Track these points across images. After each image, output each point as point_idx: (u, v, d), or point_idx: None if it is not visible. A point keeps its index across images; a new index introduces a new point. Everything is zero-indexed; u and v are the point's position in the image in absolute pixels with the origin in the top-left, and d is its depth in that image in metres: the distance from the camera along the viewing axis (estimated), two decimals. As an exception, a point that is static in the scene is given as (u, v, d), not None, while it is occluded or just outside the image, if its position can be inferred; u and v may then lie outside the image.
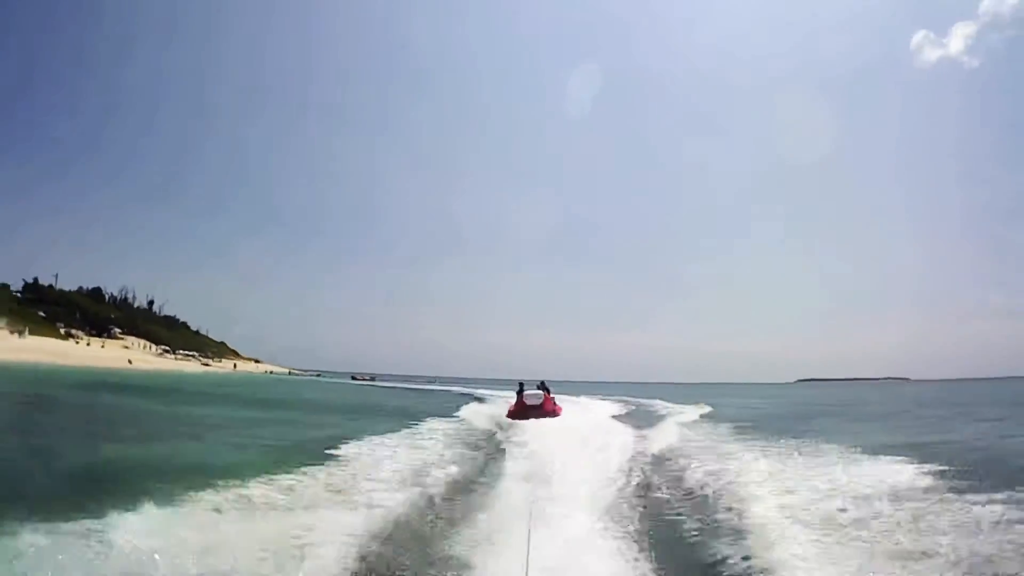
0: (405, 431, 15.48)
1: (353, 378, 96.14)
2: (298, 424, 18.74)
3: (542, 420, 21.11)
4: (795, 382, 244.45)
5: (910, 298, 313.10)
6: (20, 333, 58.28)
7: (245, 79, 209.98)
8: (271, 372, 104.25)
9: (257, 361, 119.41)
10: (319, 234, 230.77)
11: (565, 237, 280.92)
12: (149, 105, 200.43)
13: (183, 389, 35.00)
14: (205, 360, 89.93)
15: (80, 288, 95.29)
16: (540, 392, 24.19)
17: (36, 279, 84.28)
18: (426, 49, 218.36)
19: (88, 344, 70.51)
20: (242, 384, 50.33)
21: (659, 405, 32.29)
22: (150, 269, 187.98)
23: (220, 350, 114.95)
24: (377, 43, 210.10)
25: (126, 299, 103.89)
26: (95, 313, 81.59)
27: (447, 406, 26.96)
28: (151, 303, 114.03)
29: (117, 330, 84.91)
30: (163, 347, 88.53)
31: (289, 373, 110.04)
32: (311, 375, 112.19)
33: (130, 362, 62.07)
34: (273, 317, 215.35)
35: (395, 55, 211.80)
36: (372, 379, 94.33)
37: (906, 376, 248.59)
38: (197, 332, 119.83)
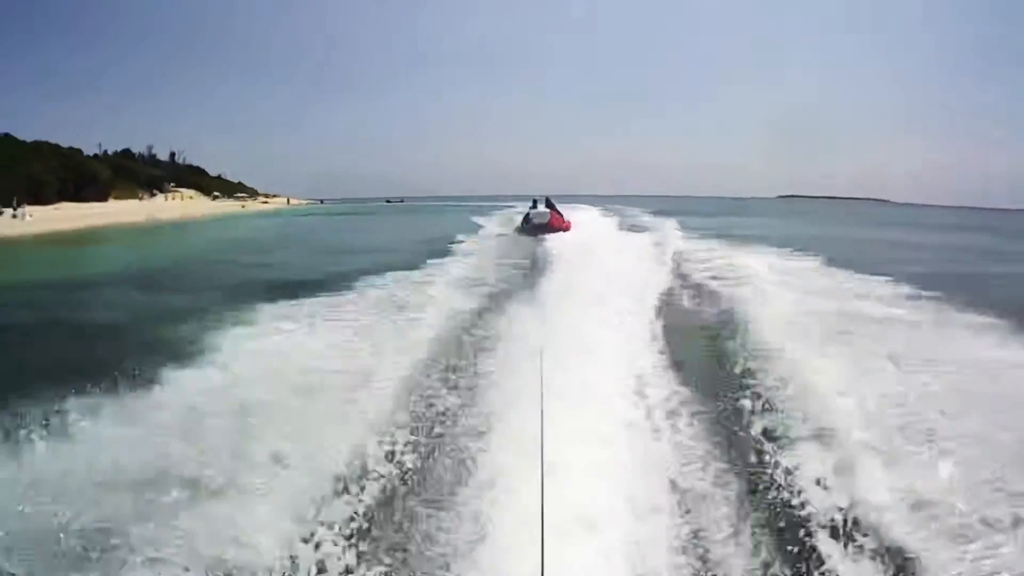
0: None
1: (387, 201, 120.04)
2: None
3: (552, 235, 21.70)
4: (776, 198, 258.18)
5: (896, 122, 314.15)
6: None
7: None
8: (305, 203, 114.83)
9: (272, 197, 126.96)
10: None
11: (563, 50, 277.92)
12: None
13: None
14: (243, 201, 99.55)
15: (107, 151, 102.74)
16: (545, 210, 24.69)
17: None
18: None
19: (167, 199, 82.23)
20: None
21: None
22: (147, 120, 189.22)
23: (248, 192, 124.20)
24: None
25: (153, 156, 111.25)
26: (143, 172, 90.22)
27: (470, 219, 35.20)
28: (173, 156, 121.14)
29: (170, 184, 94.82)
30: (214, 194, 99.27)
31: (322, 202, 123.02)
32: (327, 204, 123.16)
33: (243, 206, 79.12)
34: (274, 153, 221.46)
35: None
36: (402, 201, 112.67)
37: (887, 199, 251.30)
38: (219, 177, 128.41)
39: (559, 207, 26.35)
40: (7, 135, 61.80)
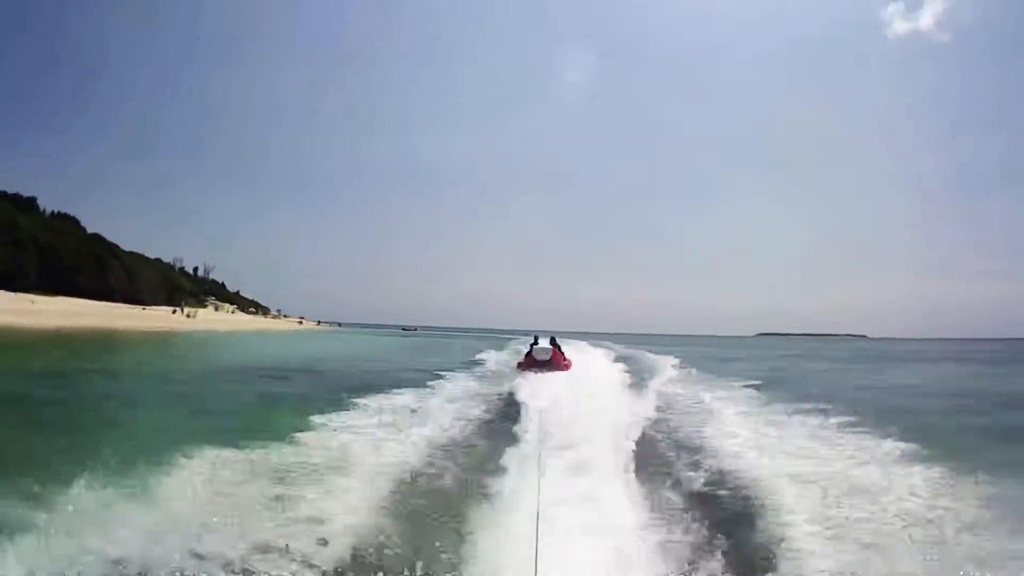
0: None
1: (404, 329, 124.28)
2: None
3: (551, 374, 21.16)
4: (754, 336, 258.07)
5: (876, 259, 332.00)
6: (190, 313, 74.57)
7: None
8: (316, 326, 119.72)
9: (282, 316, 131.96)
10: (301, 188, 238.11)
11: (544, 185, 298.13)
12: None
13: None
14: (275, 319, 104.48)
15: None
16: (549, 347, 24.19)
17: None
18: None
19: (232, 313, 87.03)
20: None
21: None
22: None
23: (261, 309, 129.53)
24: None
25: (182, 268, 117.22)
26: (188, 286, 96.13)
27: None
28: (197, 269, 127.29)
29: (211, 298, 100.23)
30: (250, 309, 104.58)
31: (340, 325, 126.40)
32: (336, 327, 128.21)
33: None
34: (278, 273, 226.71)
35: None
36: (416, 329, 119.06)
37: (864, 334, 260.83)
38: (237, 292, 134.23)
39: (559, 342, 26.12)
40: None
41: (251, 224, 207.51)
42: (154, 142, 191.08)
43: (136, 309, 65.46)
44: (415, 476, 7.05)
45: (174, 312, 71.23)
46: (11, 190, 72.51)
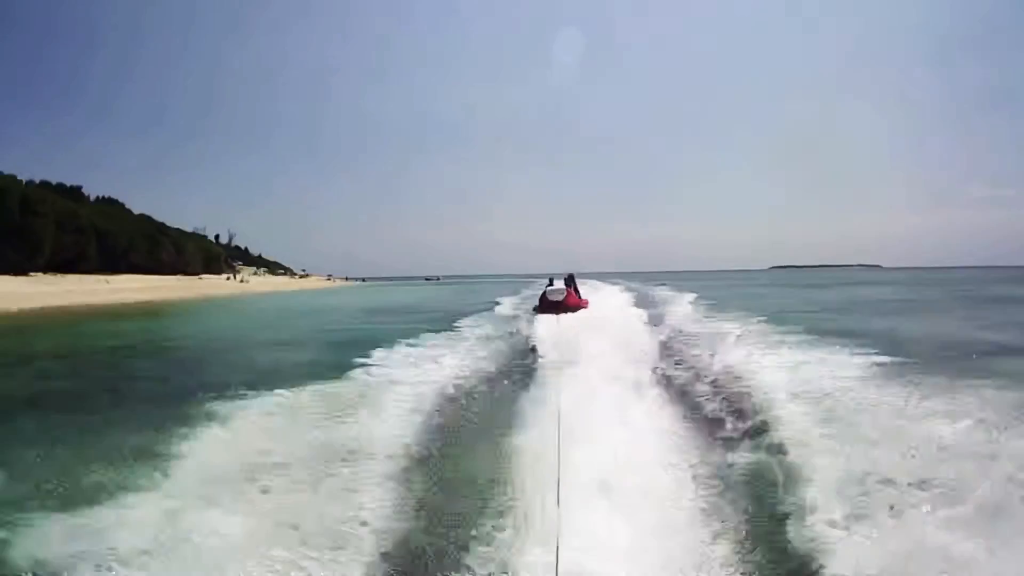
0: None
1: (426, 279, 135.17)
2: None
3: (568, 314, 21.14)
4: (769, 269, 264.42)
5: (885, 186, 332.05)
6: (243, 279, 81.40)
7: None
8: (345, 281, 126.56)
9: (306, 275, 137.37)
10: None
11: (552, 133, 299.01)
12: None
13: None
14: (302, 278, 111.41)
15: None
16: (562, 288, 23.96)
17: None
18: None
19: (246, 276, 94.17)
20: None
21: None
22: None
23: (285, 270, 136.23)
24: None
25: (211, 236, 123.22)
26: (222, 254, 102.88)
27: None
28: (218, 237, 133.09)
29: (239, 263, 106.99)
30: (279, 271, 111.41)
31: (363, 280, 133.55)
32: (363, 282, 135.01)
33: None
34: (294, 231, 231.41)
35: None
36: (438, 279, 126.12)
37: (878, 263, 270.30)
38: (259, 256, 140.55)
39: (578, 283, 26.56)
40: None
41: (262, 187, 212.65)
42: (160, 114, 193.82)
43: (195, 279, 72.23)
44: (430, 420, 7.40)
45: (227, 279, 78.13)
46: (15, 170, 76.96)
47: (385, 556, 4.16)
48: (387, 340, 14.22)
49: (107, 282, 59.68)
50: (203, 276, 77.07)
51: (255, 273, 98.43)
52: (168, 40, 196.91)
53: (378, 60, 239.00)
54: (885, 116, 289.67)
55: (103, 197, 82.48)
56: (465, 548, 4.21)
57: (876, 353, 10.67)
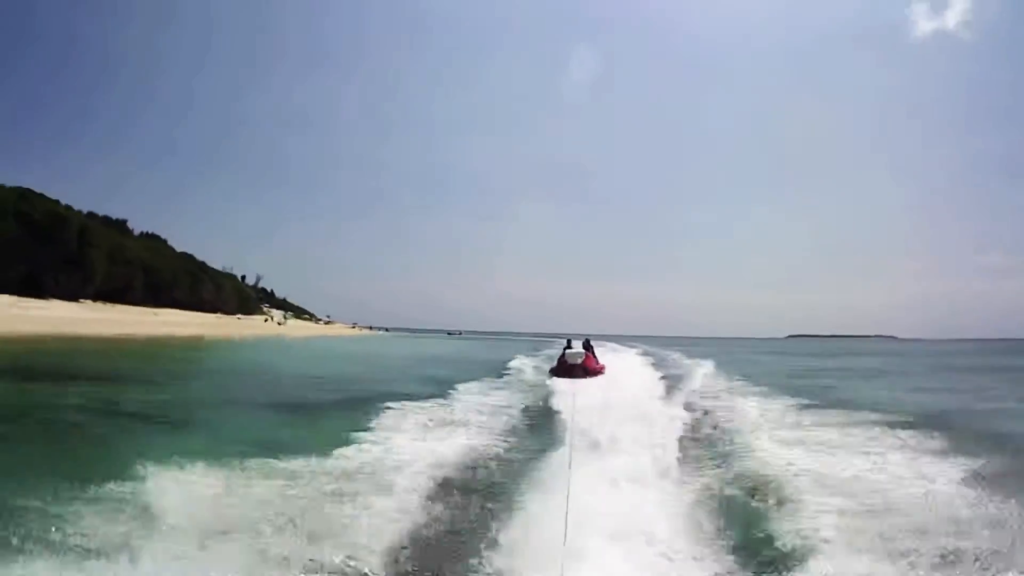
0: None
1: (448, 333, 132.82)
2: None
3: (584, 380, 20.46)
4: (786, 337, 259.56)
5: (902, 256, 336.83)
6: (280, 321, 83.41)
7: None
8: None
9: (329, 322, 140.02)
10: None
11: (566, 186, 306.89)
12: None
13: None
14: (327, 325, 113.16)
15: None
16: (581, 352, 23.68)
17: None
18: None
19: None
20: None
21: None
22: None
23: (309, 315, 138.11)
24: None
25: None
26: (254, 296, 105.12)
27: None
28: (243, 278, 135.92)
29: (265, 306, 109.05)
30: (304, 316, 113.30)
31: (387, 331, 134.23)
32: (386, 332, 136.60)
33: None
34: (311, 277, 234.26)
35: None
36: (460, 333, 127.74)
37: (893, 334, 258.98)
38: (284, 300, 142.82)
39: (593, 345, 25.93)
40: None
41: (275, 229, 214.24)
42: (171, 150, 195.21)
43: (234, 319, 74.02)
44: (450, 479, 7.27)
45: (266, 321, 79.88)
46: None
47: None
48: (455, 380, 17.95)
49: (155, 314, 61.48)
50: (240, 316, 78.77)
51: (285, 317, 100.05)
52: (182, 78, 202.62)
53: (391, 108, 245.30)
54: (900, 185, 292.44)
55: (147, 232, 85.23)
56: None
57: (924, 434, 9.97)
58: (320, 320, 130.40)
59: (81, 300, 63.25)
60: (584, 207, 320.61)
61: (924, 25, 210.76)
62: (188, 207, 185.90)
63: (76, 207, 70.51)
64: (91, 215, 75.95)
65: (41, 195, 65.36)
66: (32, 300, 53.55)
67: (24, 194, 63.34)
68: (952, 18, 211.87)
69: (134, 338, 37.95)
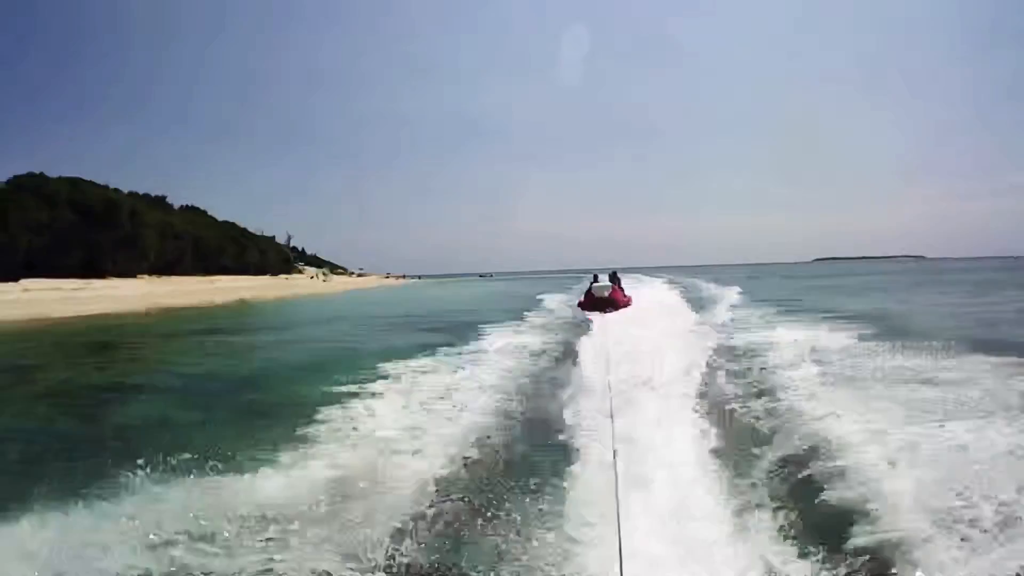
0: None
1: (480, 276, 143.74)
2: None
3: (612, 313, 20.68)
4: (812, 261, 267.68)
5: (927, 176, 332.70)
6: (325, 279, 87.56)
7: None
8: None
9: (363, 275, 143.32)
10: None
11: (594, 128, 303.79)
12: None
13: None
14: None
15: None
16: (608, 284, 23.65)
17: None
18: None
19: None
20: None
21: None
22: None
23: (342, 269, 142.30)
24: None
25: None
26: (289, 255, 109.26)
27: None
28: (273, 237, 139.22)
29: (300, 263, 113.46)
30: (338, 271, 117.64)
31: (420, 278, 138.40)
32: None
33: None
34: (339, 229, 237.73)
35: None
36: (491, 276, 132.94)
37: (922, 255, 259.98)
38: (315, 255, 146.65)
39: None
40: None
41: (298, 187, 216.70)
42: (189, 114, 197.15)
43: (282, 279, 78.31)
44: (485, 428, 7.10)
45: (312, 278, 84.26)
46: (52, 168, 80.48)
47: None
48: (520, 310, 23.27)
49: (211, 282, 65.57)
50: (286, 276, 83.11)
51: (324, 274, 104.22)
52: (201, 38, 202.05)
53: (410, 61, 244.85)
54: (929, 102, 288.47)
55: (187, 205, 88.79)
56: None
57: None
58: (353, 273, 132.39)
59: (139, 276, 67.57)
60: (612, 145, 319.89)
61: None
62: (210, 170, 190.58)
63: (97, 177, 73.63)
64: (133, 194, 79.40)
65: (91, 182, 69.01)
66: (106, 280, 57.77)
67: (75, 183, 66.86)
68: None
69: (220, 304, 41.81)
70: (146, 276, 67.90)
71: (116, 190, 71.13)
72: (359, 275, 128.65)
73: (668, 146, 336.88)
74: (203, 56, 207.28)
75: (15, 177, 65.60)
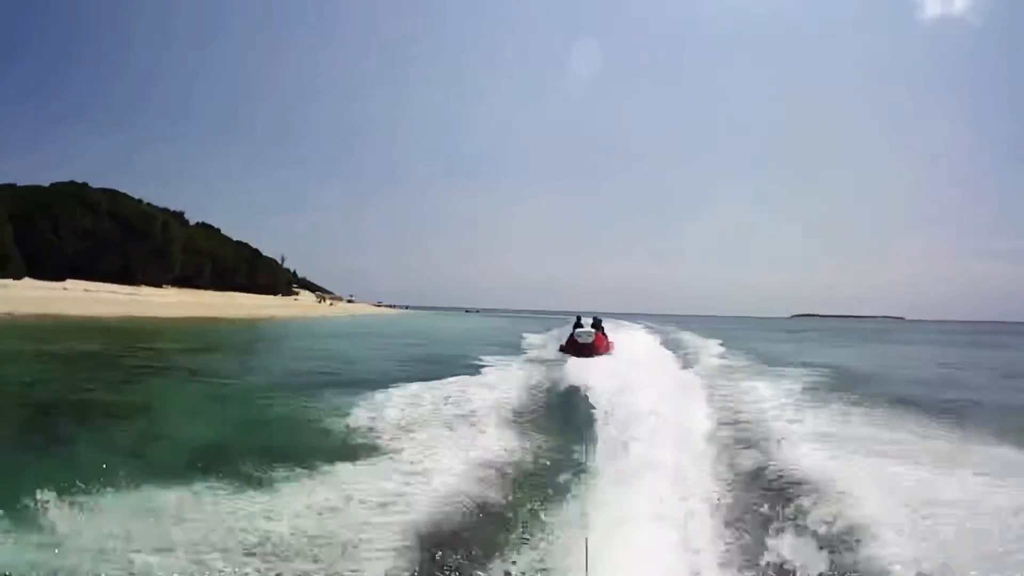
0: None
1: (466, 311, 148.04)
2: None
3: (592, 359, 20.00)
4: (790, 317, 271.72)
5: (910, 237, 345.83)
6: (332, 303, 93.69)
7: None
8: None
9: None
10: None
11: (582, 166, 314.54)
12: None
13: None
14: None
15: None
16: (592, 331, 23.75)
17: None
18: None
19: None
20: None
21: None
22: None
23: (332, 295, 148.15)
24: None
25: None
26: (290, 278, 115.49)
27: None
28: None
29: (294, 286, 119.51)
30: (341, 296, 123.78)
31: (407, 308, 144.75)
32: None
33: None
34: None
35: None
36: (477, 311, 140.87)
37: (901, 316, 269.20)
38: (304, 279, 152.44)
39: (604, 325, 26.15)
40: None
41: (288, 208, 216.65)
42: (184, 122, 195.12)
43: (291, 300, 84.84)
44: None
45: (320, 302, 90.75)
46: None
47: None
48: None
49: (232, 297, 72.02)
50: (296, 298, 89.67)
51: (327, 297, 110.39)
52: (194, 47, 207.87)
53: (403, 80, 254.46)
54: (912, 168, 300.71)
55: (201, 222, 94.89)
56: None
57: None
58: (343, 300, 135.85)
59: (164, 286, 73.46)
60: (596, 188, 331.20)
61: (932, 9, 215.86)
62: (201, 180, 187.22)
63: (93, 180, 76.92)
64: (165, 210, 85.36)
65: (126, 194, 75.15)
66: (153, 288, 64.01)
67: (113, 194, 73.01)
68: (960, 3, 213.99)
69: (264, 317, 48.33)
70: (170, 287, 73.85)
71: (149, 204, 77.32)
72: (348, 301, 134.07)
73: (655, 197, 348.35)
74: (196, 59, 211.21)
75: (58, 184, 71.77)
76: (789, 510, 5.90)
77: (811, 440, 8.50)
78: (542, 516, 5.74)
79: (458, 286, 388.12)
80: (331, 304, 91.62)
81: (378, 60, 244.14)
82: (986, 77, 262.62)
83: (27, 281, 54.38)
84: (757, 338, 42.34)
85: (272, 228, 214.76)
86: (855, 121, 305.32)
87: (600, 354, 21.67)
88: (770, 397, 12.42)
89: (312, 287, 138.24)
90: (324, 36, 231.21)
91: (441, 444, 7.84)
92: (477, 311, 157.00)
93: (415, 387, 11.96)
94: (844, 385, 14.52)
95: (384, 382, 12.39)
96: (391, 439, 8.01)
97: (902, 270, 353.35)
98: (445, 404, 10.54)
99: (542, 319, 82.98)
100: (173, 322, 36.89)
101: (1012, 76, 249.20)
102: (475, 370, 16.05)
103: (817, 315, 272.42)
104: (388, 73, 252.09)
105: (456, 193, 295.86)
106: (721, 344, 28.87)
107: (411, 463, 6.93)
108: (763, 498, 6.35)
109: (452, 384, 12.65)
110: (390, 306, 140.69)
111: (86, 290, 50.04)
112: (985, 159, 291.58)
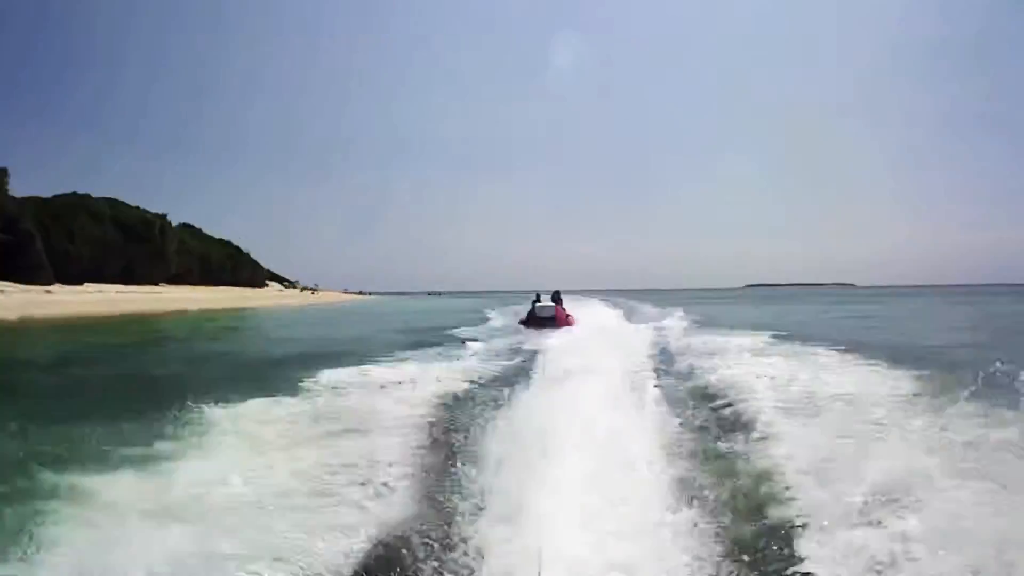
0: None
1: (429, 294, 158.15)
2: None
3: (556, 331, 20.28)
4: (744, 287, 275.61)
5: (861, 205, 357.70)
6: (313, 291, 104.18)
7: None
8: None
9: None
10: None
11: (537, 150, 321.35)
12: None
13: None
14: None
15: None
16: (551, 305, 23.84)
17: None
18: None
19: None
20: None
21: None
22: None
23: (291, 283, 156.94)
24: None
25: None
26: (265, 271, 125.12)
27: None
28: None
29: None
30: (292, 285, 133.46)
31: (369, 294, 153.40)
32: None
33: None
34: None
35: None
36: (440, 294, 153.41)
37: (852, 283, 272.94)
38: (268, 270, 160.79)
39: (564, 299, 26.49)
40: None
41: (243, 199, 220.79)
42: (140, 124, 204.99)
43: (273, 291, 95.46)
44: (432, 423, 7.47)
45: (302, 291, 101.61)
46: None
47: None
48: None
49: (227, 291, 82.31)
50: (280, 290, 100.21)
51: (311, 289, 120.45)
52: (152, 42, 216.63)
53: (358, 72, 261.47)
54: (875, 138, 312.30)
55: (184, 224, 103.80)
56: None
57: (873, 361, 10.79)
58: (310, 289, 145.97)
59: (159, 284, 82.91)
60: (554, 172, 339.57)
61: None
62: (155, 183, 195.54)
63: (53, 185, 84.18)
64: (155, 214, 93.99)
65: (123, 202, 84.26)
66: (171, 286, 74.03)
67: (113, 203, 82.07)
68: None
69: (278, 305, 59.35)
70: (165, 284, 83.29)
71: (145, 210, 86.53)
72: (312, 291, 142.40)
73: (613, 174, 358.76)
74: (154, 57, 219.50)
75: (61, 195, 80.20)
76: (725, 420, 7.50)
77: (743, 364, 10.92)
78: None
79: (422, 270, 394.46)
80: (313, 294, 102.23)
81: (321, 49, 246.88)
82: (939, 41, 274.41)
83: (58, 286, 63.74)
84: (717, 310, 42.50)
85: (230, 224, 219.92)
86: (804, 88, 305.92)
87: (560, 327, 22.00)
88: (734, 349, 13.63)
89: (280, 279, 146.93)
90: (267, 33, 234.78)
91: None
92: (440, 294, 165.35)
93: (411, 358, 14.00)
94: (798, 337, 16.57)
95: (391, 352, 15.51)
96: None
97: (853, 239, 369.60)
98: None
99: (501, 297, 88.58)
100: (224, 312, 47.63)
101: (974, 42, 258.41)
102: (458, 343, 18.64)
103: (769, 284, 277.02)
104: (335, 67, 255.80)
105: (411, 178, 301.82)
106: (682, 316, 27.50)
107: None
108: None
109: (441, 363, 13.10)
110: (358, 292, 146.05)
111: (118, 292, 59.77)
112: (935, 130, 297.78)
